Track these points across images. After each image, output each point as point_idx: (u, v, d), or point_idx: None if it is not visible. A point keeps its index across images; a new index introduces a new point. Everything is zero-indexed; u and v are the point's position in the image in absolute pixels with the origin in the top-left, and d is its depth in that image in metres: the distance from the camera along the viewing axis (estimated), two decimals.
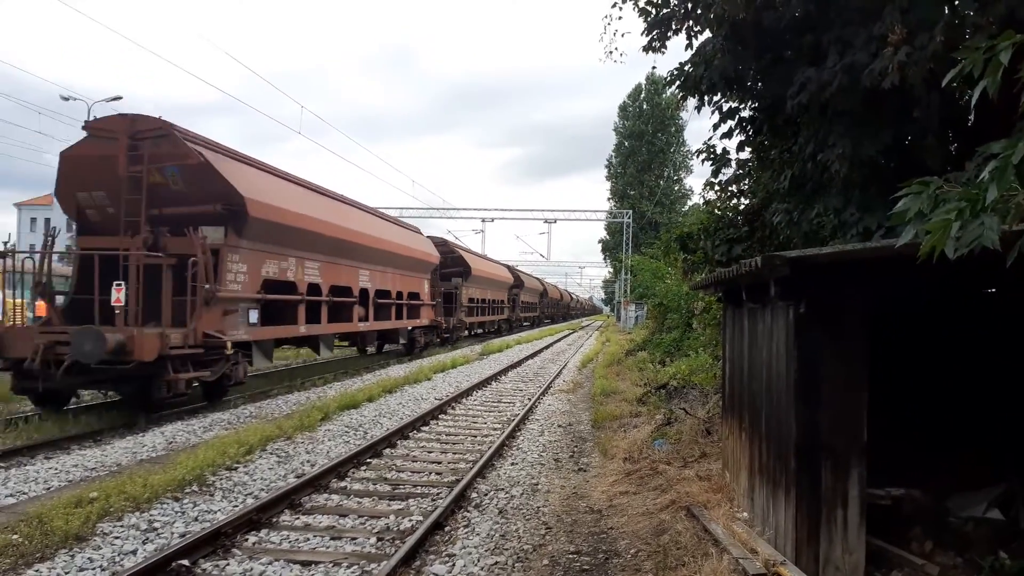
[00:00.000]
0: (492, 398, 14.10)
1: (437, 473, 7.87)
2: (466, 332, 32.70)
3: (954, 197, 2.54)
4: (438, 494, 7.00)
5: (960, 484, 5.78)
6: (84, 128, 11.29)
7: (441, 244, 29.35)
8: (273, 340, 13.24)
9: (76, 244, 11.82)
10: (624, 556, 5.21)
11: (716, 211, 10.27)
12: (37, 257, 11.27)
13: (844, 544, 4.38)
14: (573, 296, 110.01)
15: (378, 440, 8.99)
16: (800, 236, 7.21)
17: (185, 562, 4.99)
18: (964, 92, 5.50)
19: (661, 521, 5.76)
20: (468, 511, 6.44)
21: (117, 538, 5.49)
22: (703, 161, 9.19)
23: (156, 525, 5.80)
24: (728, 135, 8.41)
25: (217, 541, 5.42)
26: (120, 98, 48.03)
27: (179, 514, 6.10)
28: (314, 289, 14.69)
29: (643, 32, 8.17)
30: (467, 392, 14.15)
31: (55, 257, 14.21)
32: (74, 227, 11.93)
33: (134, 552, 5.24)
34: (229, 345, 11.51)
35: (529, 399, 13.70)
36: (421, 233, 26.13)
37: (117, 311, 10.33)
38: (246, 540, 5.59)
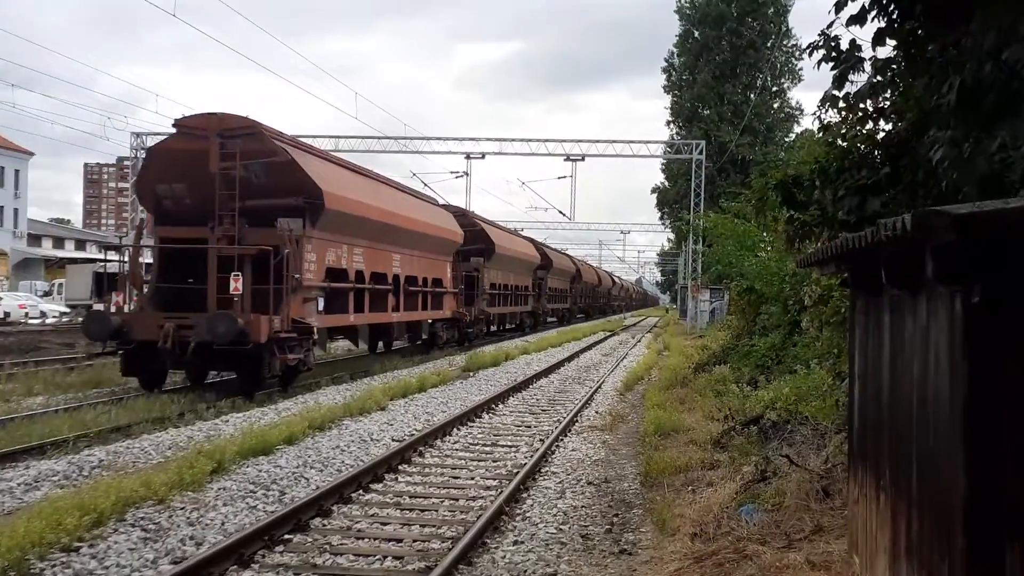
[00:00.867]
0: (483, 438, 14.45)
1: (396, 558, 7.94)
2: (486, 328, 38.43)
3: None
4: None
5: None
6: (174, 125, 18.74)
7: (460, 215, 35.04)
8: (327, 329, 20.67)
9: (155, 234, 19.25)
10: None
11: (840, 143, 10.18)
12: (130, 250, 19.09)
13: None
14: (616, 279, 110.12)
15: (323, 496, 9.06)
16: (973, 182, 7.08)
17: None
18: None
19: None
20: None
21: None
22: (818, 62, 9.03)
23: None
24: (859, 19, 8.27)
25: None
26: None
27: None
28: (359, 276, 21.80)
29: None
30: (442, 430, 14.46)
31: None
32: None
33: None
34: (315, 330, 19.40)
35: (542, 440, 14.02)
36: (439, 204, 33.40)
37: (236, 299, 17.28)
38: None
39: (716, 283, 41.82)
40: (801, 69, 59.80)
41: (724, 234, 29.82)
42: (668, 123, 64.20)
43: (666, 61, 63.58)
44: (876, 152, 9.32)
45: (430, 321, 29.11)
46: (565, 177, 52.36)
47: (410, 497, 10.28)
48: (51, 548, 7.57)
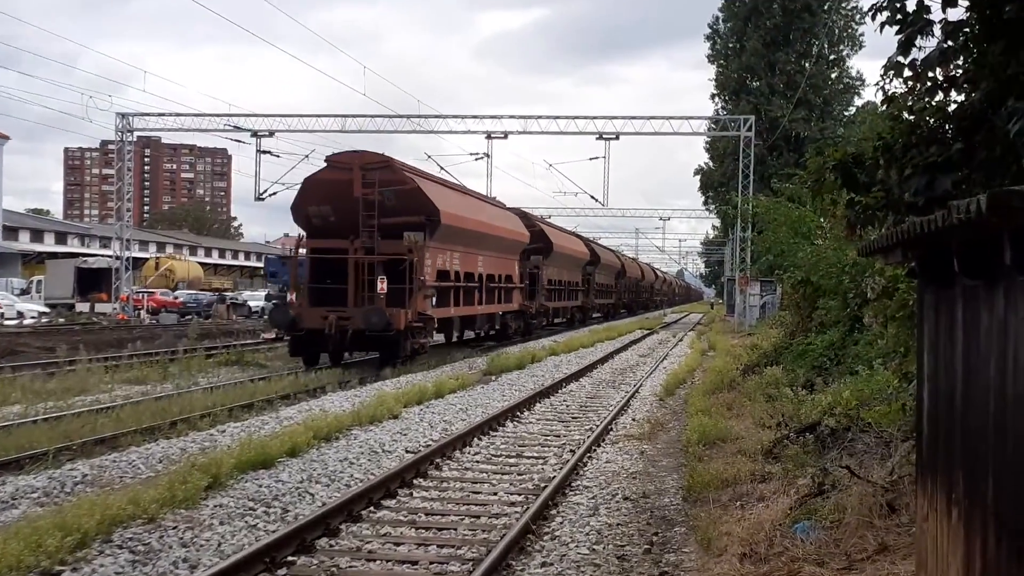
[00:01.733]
0: (507, 449, 14.53)
1: None
2: (545, 320, 46.65)
3: None
4: None
5: None
6: (326, 160, 28.17)
7: (523, 217, 42.26)
8: (436, 320, 28.87)
9: (305, 245, 27.95)
10: None
11: (906, 116, 10.12)
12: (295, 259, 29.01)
13: None
14: (658, 273, 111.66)
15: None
16: None
17: None
18: None
19: None
20: None
21: None
22: (881, 26, 9.00)
23: None
24: None
25: None
26: None
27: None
28: (456, 276, 30.65)
29: None
30: (461, 439, 14.53)
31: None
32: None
33: None
34: (436, 320, 28.64)
35: (572, 451, 14.06)
36: (507, 208, 41.80)
37: (382, 296, 25.33)
38: None
39: (767, 275, 41.68)
40: (862, 35, 59.39)
41: (776, 220, 29.78)
42: (713, 97, 64.03)
43: (710, 27, 63.32)
44: (947, 126, 9.25)
45: (501, 313, 37.44)
46: (597, 158, 51.70)
47: (426, 515, 10.29)
48: (30, 572, 7.61)
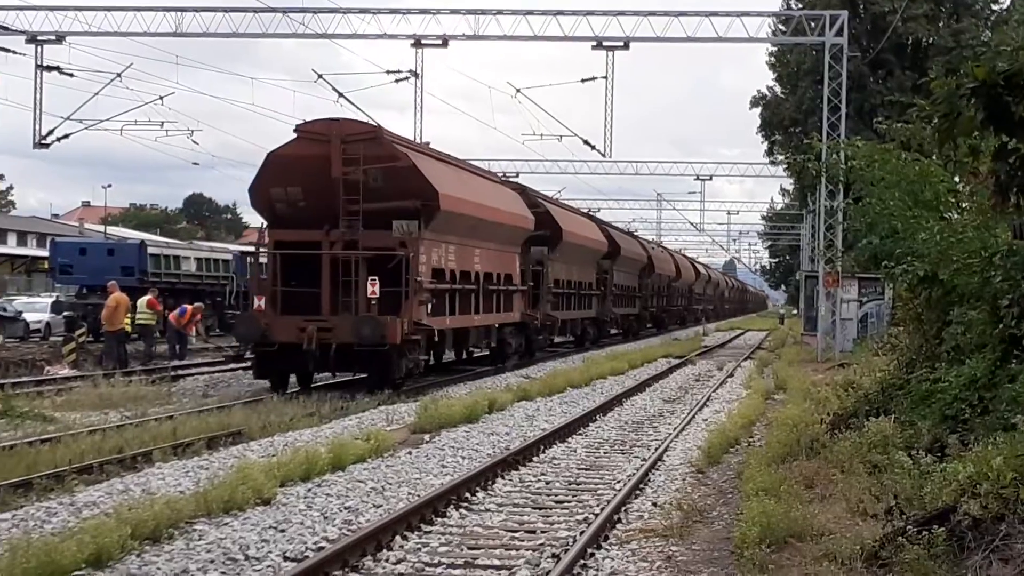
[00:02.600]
0: (448, 555, 11.58)
1: None
2: (550, 338, 40.54)
3: None
4: None
5: None
6: (295, 130, 24.35)
7: (521, 194, 37.08)
8: (435, 331, 25.71)
9: (268, 236, 25.09)
10: None
11: None
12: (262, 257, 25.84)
13: None
14: (700, 268, 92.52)
15: None
16: None
17: None
18: None
19: None
20: None
21: None
22: None
23: None
24: None
25: None
26: None
27: None
28: (452, 276, 26.88)
29: None
30: (374, 539, 11.52)
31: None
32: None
33: None
34: (436, 332, 25.59)
35: (555, 556, 11.34)
36: (499, 180, 38.40)
37: (374, 302, 22.57)
38: None
39: (870, 269, 34.56)
40: None
41: (884, 179, 24.20)
42: None
43: None
44: None
45: (498, 326, 31.94)
46: (594, 79, 40.92)
47: None
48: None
